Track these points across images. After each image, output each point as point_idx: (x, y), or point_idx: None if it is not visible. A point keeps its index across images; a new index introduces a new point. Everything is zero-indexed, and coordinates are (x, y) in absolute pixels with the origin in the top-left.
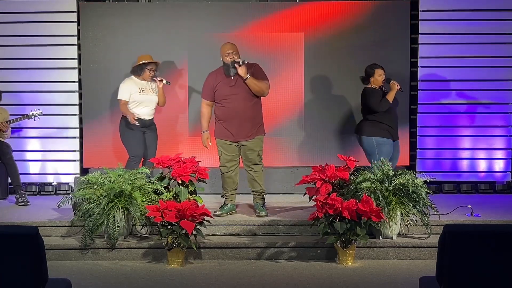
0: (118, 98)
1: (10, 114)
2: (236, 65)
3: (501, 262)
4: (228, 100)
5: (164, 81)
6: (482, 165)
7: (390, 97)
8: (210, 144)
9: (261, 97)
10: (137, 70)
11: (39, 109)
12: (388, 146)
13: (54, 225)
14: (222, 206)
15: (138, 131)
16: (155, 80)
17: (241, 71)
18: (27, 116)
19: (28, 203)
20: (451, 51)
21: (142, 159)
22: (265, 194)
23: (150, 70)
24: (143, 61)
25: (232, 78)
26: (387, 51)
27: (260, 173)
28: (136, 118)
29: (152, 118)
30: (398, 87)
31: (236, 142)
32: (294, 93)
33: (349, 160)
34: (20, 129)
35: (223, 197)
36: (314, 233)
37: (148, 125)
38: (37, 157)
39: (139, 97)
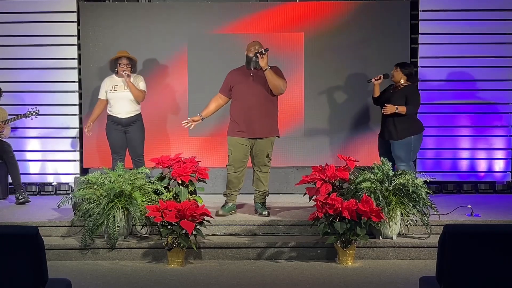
0: None
1: (10, 114)
2: (258, 54)
3: (501, 262)
4: (244, 96)
5: (126, 73)
6: (482, 165)
7: (374, 91)
8: (192, 127)
9: (277, 97)
10: (112, 67)
11: (36, 108)
12: (380, 144)
13: (54, 225)
14: (223, 205)
15: (117, 129)
16: (123, 76)
17: (262, 61)
18: (24, 115)
19: (29, 200)
20: (451, 51)
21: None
22: (268, 195)
23: (120, 64)
24: (114, 57)
25: (251, 75)
26: (387, 51)
27: (267, 174)
28: (89, 128)
29: (133, 116)
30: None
31: (248, 140)
32: (294, 93)
33: (349, 160)
34: (16, 128)
35: (225, 196)
36: (314, 233)
37: (126, 124)
38: (37, 157)
39: (109, 95)
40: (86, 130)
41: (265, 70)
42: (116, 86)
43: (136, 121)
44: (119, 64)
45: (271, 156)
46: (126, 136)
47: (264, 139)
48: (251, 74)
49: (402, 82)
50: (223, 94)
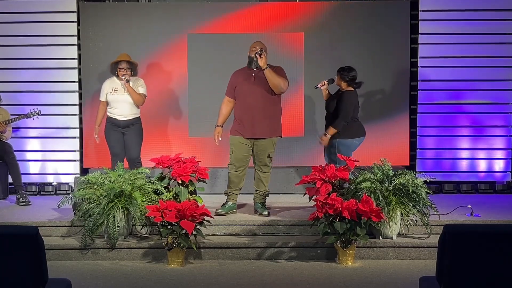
0: None
1: (10, 114)
2: (257, 55)
3: (501, 262)
4: (246, 96)
5: (125, 78)
6: (482, 165)
7: (323, 96)
8: (220, 139)
9: (280, 98)
10: (112, 70)
11: (37, 108)
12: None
13: (54, 225)
14: (224, 204)
15: (115, 131)
16: (122, 79)
17: (261, 61)
18: (26, 116)
19: (30, 203)
20: (451, 51)
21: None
22: (268, 196)
23: (119, 68)
24: (114, 61)
25: (253, 75)
26: (387, 51)
27: (268, 174)
28: (96, 131)
29: (132, 119)
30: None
31: (249, 140)
32: (294, 93)
33: (349, 160)
34: (18, 128)
35: (226, 195)
36: (314, 233)
37: (124, 126)
38: (37, 157)
39: (109, 97)
40: (96, 136)
41: (263, 69)
42: (116, 89)
43: (134, 124)
44: (119, 68)
45: (273, 156)
46: (124, 138)
47: (265, 139)
48: (253, 74)
49: (343, 87)
50: (230, 96)
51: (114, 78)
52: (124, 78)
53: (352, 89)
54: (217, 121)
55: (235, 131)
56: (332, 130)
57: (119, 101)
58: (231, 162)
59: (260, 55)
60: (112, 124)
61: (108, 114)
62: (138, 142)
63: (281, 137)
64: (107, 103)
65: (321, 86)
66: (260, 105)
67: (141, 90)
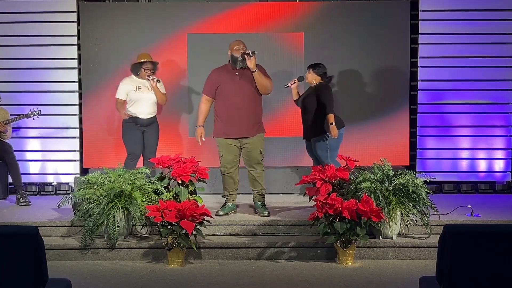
0: (115, 97)
1: (10, 114)
2: (246, 56)
3: (501, 262)
4: (231, 96)
5: (155, 79)
6: (482, 165)
7: (292, 95)
8: (203, 139)
9: (262, 96)
10: (135, 69)
11: (38, 108)
12: (306, 145)
13: (54, 225)
14: (223, 206)
15: (136, 130)
16: (149, 79)
17: (251, 63)
18: (26, 116)
19: (30, 203)
20: (451, 51)
21: (143, 158)
22: (265, 194)
23: (145, 69)
24: (139, 61)
25: (237, 74)
26: (387, 51)
27: (262, 172)
28: (127, 114)
29: (152, 117)
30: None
31: (237, 140)
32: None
33: (349, 160)
34: (18, 128)
35: (224, 197)
36: (314, 233)
37: (146, 124)
38: (37, 157)
39: (134, 96)
40: (124, 113)
41: (253, 71)
42: (139, 87)
43: (154, 122)
44: (144, 68)
45: (264, 152)
46: (143, 136)
47: (253, 137)
48: (237, 73)
49: (316, 81)
50: (210, 95)
51: (133, 76)
52: (154, 79)
53: (325, 82)
54: (198, 121)
55: (221, 133)
56: (331, 116)
57: (144, 99)
58: (222, 165)
59: (249, 56)
60: (133, 123)
61: (128, 112)
62: (157, 139)
63: (264, 132)
64: (124, 101)
65: (291, 84)
66: (246, 104)
67: (163, 89)
